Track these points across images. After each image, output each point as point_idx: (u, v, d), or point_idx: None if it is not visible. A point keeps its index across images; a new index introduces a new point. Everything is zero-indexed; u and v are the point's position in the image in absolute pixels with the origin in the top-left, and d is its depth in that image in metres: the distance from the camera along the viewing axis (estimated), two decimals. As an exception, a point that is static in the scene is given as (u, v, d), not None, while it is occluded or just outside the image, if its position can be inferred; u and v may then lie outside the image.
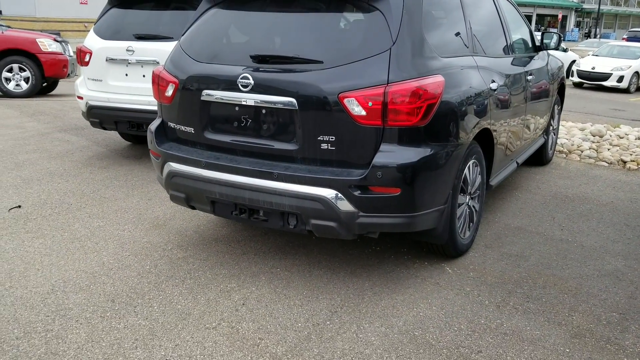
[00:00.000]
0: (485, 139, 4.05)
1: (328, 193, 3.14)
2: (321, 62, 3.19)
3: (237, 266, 3.78)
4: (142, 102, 5.75)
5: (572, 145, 7.64)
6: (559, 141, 7.61)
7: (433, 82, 3.21)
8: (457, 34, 3.90)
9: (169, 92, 3.67)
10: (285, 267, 3.77)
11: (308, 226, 3.28)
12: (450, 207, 3.55)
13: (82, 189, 5.34)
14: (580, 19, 71.63)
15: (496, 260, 3.93)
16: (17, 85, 10.87)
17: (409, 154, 3.13)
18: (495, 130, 4.11)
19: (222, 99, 3.41)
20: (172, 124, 3.73)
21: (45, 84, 11.49)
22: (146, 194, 5.20)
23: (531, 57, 5.46)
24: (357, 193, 3.12)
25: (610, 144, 7.80)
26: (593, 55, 20.35)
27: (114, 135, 7.41)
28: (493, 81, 4.07)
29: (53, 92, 11.94)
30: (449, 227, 3.61)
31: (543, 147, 6.22)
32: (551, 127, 6.45)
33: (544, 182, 5.89)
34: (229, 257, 3.91)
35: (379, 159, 3.10)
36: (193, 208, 3.74)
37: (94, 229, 4.38)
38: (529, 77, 5.06)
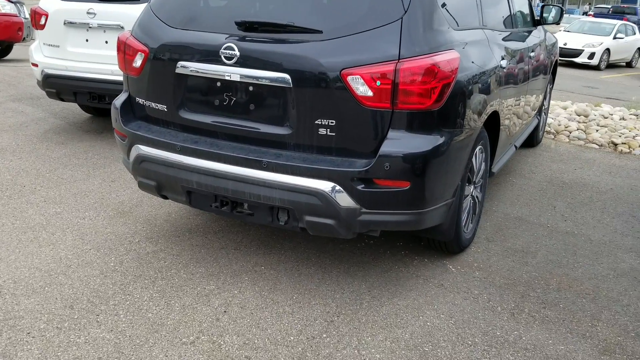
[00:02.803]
0: (490, 121, 3.66)
1: (326, 186, 2.70)
2: (320, 31, 2.71)
3: (215, 263, 3.33)
4: (105, 71, 5.17)
5: (559, 125, 7.36)
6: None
7: (448, 58, 2.77)
8: (468, 3, 3.46)
9: (138, 62, 3.15)
10: (271, 264, 3.35)
11: (301, 223, 2.85)
12: (457, 200, 3.16)
13: (37, 167, 4.77)
14: (546, -7, 71.71)
15: (501, 256, 3.58)
16: (-34, 48, 10.02)
17: (421, 142, 2.71)
18: (501, 112, 3.72)
19: (201, 73, 2.91)
20: (140, 100, 3.22)
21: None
22: (109, 175, 4.67)
23: (530, 32, 5.07)
24: (360, 187, 2.69)
25: (598, 125, 7.54)
26: (565, 31, 20.16)
27: (73, 107, 6.77)
28: (503, 58, 3.67)
29: (7, 57, 11.05)
30: (456, 221, 3.23)
31: (535, 128, 5.89)
32: (543, 107, 6.12)
33: (537, 166, 5.57)
34: (206, 252, 3.46)
35: (387, 147, 2.67)
36: (165, 197, 3.25)
37: (50, 217, 3.85)
38: (531, 54, 4.68)
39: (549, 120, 7.51)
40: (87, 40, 5.31)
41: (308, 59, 2.69)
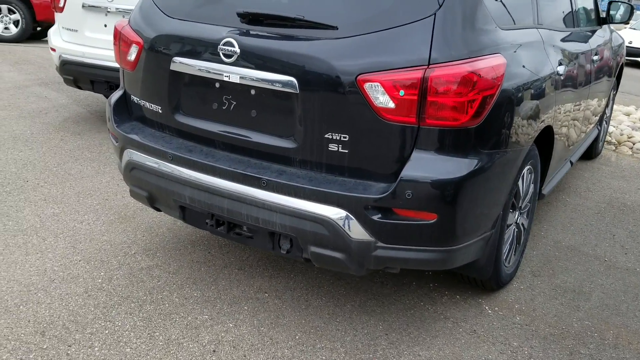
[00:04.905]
0: (542, 136, 3.13)
1: (335, 213, 2.24)
2: (335, 27, 2.24)
3: (214, 286, 2.93)
4: (124, 59, 4.82)
5: (621, 135, 6.65)
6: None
7: (492, 64, 2.26)
8: (522, -3, 2.92)
9: (132, 55, 2.75)
10: (276, 291, 2.92)
11: (306, 253, 2.40)
12: (497, 232, 2.65)
13: (45, 160, 4.48)
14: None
15: (548, 296, 3.05)
16: (6, 28, 9.92)
17: (452, 167, 2.22)
18: (556, 127, 3.18)
19: (197, 71, 2.49)
20: (135, 98, 2.82)
21: (39, 28, 10.52)
22: (119, 173, 4.33)
23: (594, 32, 4.45)
24: (375, 216, 2.22)
25: (666, 136, 6.79)
26: (630, 28, 18.91)
27: (98, 94, 6.51)
28: (560, 63, 3.12)
29: (45, 39, 10.97)
30: (495, 256, 2.73)
31: (595, 139, 5.25)
32: (605, 116, 5.47)
33: (594, 183, 4.95)
34: (206, 271, 3.06)
35: (410, 171, 2.19)
36: (159, 210, 2.86)
37: (46, 218, 3.53)
38: (594, 57, 4.08)
39: (610, 129, 6.82)
40: (105, 26, 4.98)
41: (319, 60, 2.23)
